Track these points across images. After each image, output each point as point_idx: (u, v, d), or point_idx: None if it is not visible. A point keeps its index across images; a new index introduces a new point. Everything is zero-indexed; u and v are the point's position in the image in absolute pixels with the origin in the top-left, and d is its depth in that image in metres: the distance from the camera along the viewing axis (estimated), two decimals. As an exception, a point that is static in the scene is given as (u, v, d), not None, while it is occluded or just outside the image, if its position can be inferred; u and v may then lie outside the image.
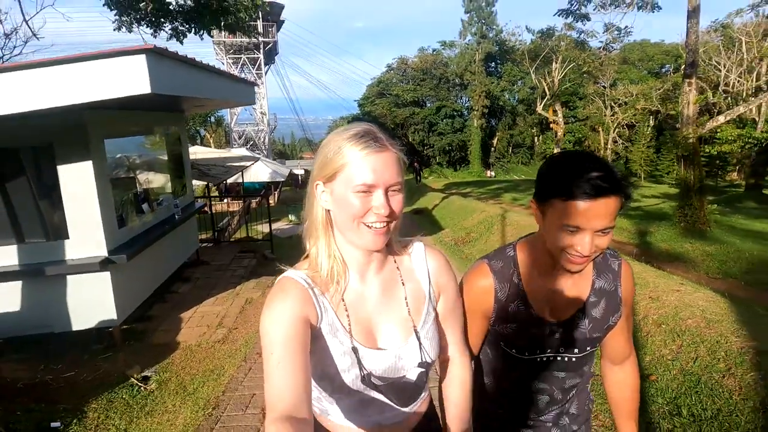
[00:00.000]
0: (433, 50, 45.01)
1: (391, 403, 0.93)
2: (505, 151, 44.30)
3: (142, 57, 2.91)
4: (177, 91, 3.61)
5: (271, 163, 19.55)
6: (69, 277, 3.96)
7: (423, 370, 0.95)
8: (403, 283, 0.97)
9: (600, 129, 35.41)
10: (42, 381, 3.56)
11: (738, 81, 23.27)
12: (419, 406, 1.02)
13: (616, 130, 34.11)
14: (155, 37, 9.78)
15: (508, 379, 1.15)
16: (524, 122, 42.67)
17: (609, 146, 34.56)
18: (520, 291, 1.06)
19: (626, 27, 17.00)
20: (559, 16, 13.44)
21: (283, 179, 20.10)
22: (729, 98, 22.76)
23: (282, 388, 0.73)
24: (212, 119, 35.27)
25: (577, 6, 13.66)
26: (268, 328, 0.81)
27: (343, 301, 0.91)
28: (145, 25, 9.47)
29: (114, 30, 9.60)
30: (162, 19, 9.29)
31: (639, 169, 36.66)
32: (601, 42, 15.58)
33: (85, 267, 3.91)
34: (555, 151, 16.84)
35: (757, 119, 22.34)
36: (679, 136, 10.21)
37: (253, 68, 28.38)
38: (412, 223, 13.23)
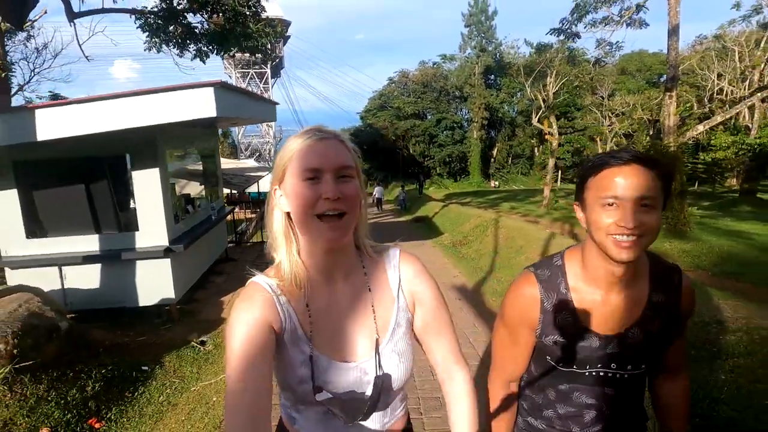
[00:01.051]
0: (434, 63, 46.60)
1: (340, 418, 0.91)
2: (504, 161, 45.44)
3: (211, 89, 3.95)
4: (230, 114, 4.65)
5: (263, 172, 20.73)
6: (138, 262, 4.97)
7: (375, 382, 0.90)
8: (370, 290, 0.94)
9: (598, 139, 36.54)
10: (122, 343, 4.53)
11: (731, 89, 24.42)
12: (393, 424, 0.99)
13: (614, 139, 35.18)
14: (181, 56, 10.93)
15: (554, 394, 1.11)
16: (523, 133, 43.88)
17: (667, 145, 35.54)
18: (568, 301, 1.03)
19: (617, 42, 18.21)
20: (551, 35, 14.55)
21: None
22: (726, 106, 23.83)
23: (240, 391, 0.76)
24: (220, 131, 36.77)
25: (568, 25, 14.78)
26: (231, 331, 0.83)
27: (308, 308, 0.90)
28: (173, 46, 10.59)
29: (144, 50, 10.74)
30: (188, 41, 10.43)
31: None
32: (593, 57, 16.66)
33: (151, 254, 4.91)
34: (550, 162, 17.88)
35: (750, 126, 23.39)
36: (660, 145, 11.23)
37: (260, 82, 29.69)
38: (414, 230, 14.27)
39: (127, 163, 4.84)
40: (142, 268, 4.97)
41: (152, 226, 4.93)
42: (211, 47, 10.40)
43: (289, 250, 0.89)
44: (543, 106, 18.44)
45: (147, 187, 4.86)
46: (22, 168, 4.68)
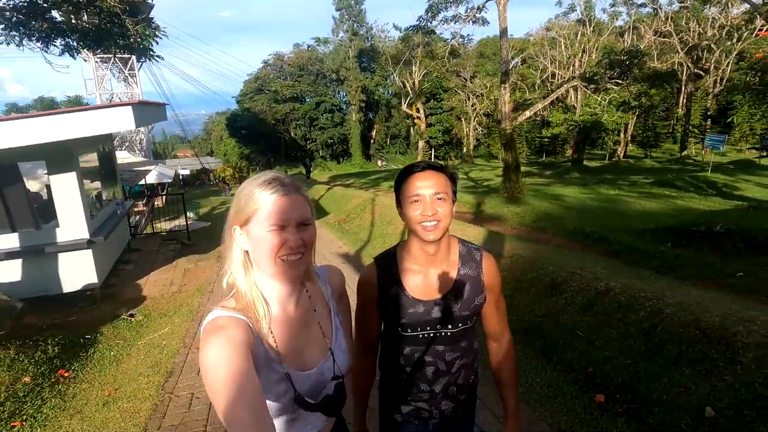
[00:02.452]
0: (308, 46, 47.19)
1: (316, 418, 1.09)
2: (383, 142, 48.34)
3: (130, 108, 4.95)
4: (142, 124, 5.60)
5: (162, 165, 20.31)
6: (61, 254, 5.72)
7: (338, 381, 1.10)
8: (314, 308, 1.12)
9: (463, 118, 40.96)
10: (55, 323, 5.34)
11: (560, 74, 29.64)
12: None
13: (476, 118, 39.76)
14: (46, 52, 10.73)
15: (401, 354, 1.42)
16: (399, 114, 47.02)
17: (471, 133, 40.32)
18: (397, 277, 1.35)
19: (467, 35, 21.12)
20: (411, 31, 16.68)
21: (170, 180, 20.90)
22: (548, 93, 28.90)
23: (244, 406, 0.80)
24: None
25: (424, 23, 17.05)
26: (216, 360, 0.85)
27: (272, 332, 1.01)
28: (36, 41, 10.35)
29: (1, 44, 10.34)
30: (53, 36, 10.30)
31: (498, 152, 43.26)
32: (449, 48, 19.29)
33: (74, 246, 5.71)
34: (420, 143, 20.40)
35: (576, 105, 28.66)
36: (499, 129, 14.06)
37: (125, 68, 27.85)
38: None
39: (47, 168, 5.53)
40: (66, 259, 5.74)
41: (73, 222, 5.71)
42: (81, 44, 10.42)
43: (248, 281, 0.99)
44: (410, 92, 20.77)
45: (65, 189, 5.61)
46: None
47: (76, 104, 35.72)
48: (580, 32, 28.09)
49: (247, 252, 0.99)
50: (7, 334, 4.23)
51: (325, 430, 1.14)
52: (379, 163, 44.57)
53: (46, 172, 5.84)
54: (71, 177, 5.61)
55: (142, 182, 14.62)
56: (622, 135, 31.56)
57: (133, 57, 23.94)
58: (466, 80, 41.03)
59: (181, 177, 29.64)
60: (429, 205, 1.22)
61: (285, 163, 44.97)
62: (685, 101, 30.35)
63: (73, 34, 10.31)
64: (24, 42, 10.29)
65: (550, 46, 30.25)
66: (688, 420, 2.43)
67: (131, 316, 5.64)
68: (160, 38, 9.98)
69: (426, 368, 1.40)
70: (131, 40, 9.66)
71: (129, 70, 28.03)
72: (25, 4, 9.47)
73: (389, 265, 1.38)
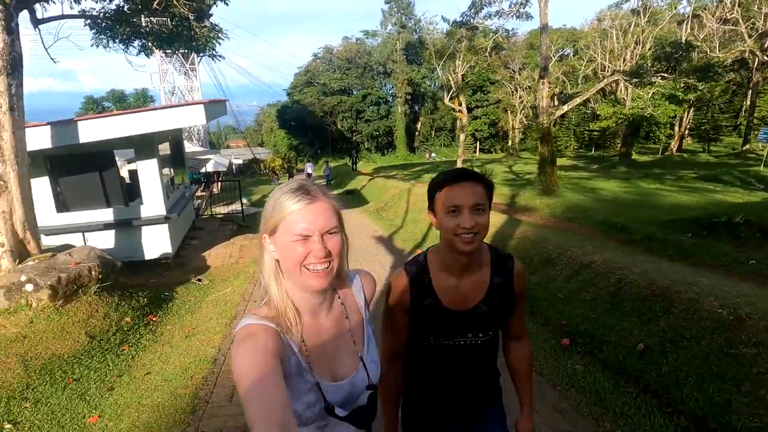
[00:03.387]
0: (357, 39, 48.31)
1: (345, 427, 1.06)
2: (428, 134, 48.81)
3: (202, 106, 6.05)
4: (211, 119, 6.73)
5: (218, 155, 22.11)
6: (144, 227, 6.99)
7: (371, 392, 1.09)
8: (347, 317, 1.12)
9: (509, 111, 40.75)
10: (140, 283, 6.59)
11: (609, 66, 28.96)
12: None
13: (523, 112, 39.47)
14: (126, 52, 12.31)
15: (428, 361, 1.46)
16: (444, 107, 47.24)
17: (517, 126, 40.07)
18: (430, 287, 1.36)
19: (513, 29, 21.31)
20: (455, 27, 17.25)
21: (224, 168, 22.64)
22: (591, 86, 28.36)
23: (268, 410, 0.80)
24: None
25: (467, 18, 17.56)
26: (246, 363, 0.87)
27: (303, 341, 1.02)
28: (119, 43, 11.91)
29: (91, 46, 11.98)
30: (133, 38, 11.81)
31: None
32: (492, 43, 19.68)
33: (154, 221, 6.95)
34: (461, 136, 20.95)
35: (625, 98, 28.05)
36: (537, 123, 14.45)
37: (186, 62, 30.08)
38: (346, 201, 16.69)
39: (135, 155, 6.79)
40: (147, 231, 7.00)
41: (153, 200, 6.95)
42: (156, 44, 11.88)
43: (280, 290, 1.01)
44: (453, 86, 21.33)
45: (148, 172, 6.85)
46: (51, 160, 6.49)
47: (143, 97, 38.76)
48: (633, 23, 27.36)
49: (277, 260, 1.01)
50: (111, 285, 5.44)
51: None
52: (427, 155, 45.11)
53: (126, 159, 7.11)
54: (153, 163, 6.85)
55: (203, 170, 16.21)
56: (676, 129, 30.49)
57: (194, 53, 25.87)
58: (514, 72, 40.70)
59: (234, 166, 31.65)
60: (468, 218, 1.23)
61: (332, 154, 46.51)
62: (750, 93, 28.90)
63: (149, 37, 11.78)
64: (109, 44, 11.90)
65: (601, 38, 29.62)
66: (626, 354, 3.16)
67: (199, 280, 6.83)
68: (222, 40, 11.21)
69: (452, 374, 1.45)
70: (198, 42, 10.95)
71: (190, 65, 30.25)
72: (113, 11, 10.99)
73: (421, 274, 1.39)
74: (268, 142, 55.02)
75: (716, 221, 8.00)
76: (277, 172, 34.23)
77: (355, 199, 17.27)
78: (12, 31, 5.08)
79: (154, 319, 5.36)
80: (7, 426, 3.35)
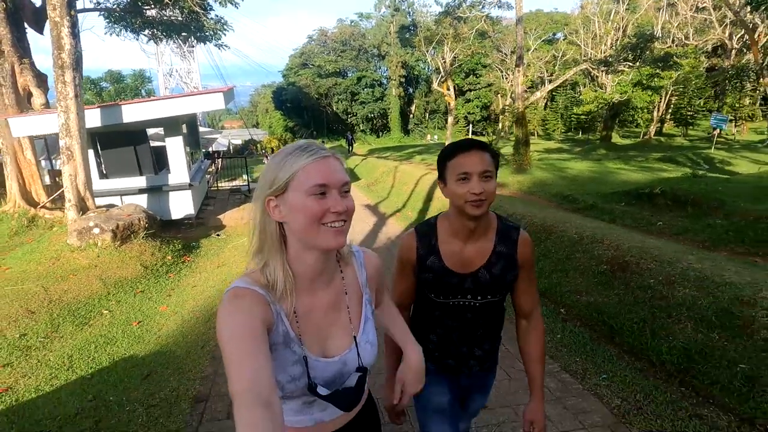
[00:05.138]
0: (351, 21, 49.19)
1: (334, 411, 1.04)
2: (422, 117, 50.07)
3: (221, 94, 7.60)
4: (226, 104, 8.27)
5: (221, 135, 23.57)
6: (171, 192, 8.59)
7: (361, 374, 1.06)
8: (345, 292, 1.07)
9: (500, 95, 42.07)
10: (171, 235, 8.21)
11: (591, 52, 30.36)
12: (363, 401, 1.16)
13: (512, 95, 40.73)
14: (136, 40, 13.70)
15: (431, 316, 1.55)
16: (437, 90, 48.47)
17: (511, 108, 41.43)
18: (436, 249, 1.44)
19: (497, 16, 22.69)
20: (441, 16, 18.63)
21: (224, 148, 24.10)
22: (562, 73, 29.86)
23: (251, 376, 0.77)
24: (144, 93, 37.68)
25: (452, 9, 18.94)
26: (227, 324, 0.85)
27: (295, 312, 0.98)
28: (130, 32, 13.29)
29: (105, 34, 13.36)
30: (144, 28, 13.19)
31: (535, 129, 44.23)
32: (478, 30, 21.07)
33: (180, 187, 8.55)
34: (449, 119, 22.44)
35: (606, 84, 29.50)
36: (512, 108, 16.01)
37: (185, 45, 31.13)
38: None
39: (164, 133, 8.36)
40: (174, 196, 8.61)
41: (179, 170, 8.54)
42: (165, 34, 13.28)
43: (281, 257, 0.95)
44: (442, 71, 22.75)
45: (175, 147, 8.43)
46: (97, 136, 8.06)
47: (140, 77, 39.88)
48: (614, 10, 28.69)
49: (280, 225, 0.95)
50: (153, 234, 7.07)
51: (349, 415, 1.11)
52: (428, 137, 46.38)
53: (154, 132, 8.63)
54: (179, 139, 8.41)
55: (210, 149, 17.70)
56: (655, 113, 32.06)
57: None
58: (506, 55, 41.86)
59: (232, 146, 33.08)
60: (477, 184, 1.29)
61: (327, 136, 47.79)
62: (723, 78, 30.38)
63: (159, 27, 13.16)
64: (121, 33, 13.29)
65: (585, 24, 30.96)
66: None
67: (218, 235, 8.47)
68: (227, 31, 12.64)
69: (453, 332, 1.53)
70: (205, 33, 12.39)
71: (188, 47, 31.41)
72: (127, 3, 12.36)
73: (429, 235, 1.47)
74: (264, 123, 56.08)
75: (642, 192, 9.71)
76: (273, 152, 35.66)
77: (348, 176, 18.92)
78: (76, 35, 6.60)
79: (188, 259, 7.00)
80: (105, 312, 5.01)
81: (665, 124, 36.21)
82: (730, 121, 29.32)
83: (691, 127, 34.86)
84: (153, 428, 2.72)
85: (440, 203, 8.90)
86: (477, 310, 1.48)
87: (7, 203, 8.61)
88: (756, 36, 13.38)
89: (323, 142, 32.34)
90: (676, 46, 25.89)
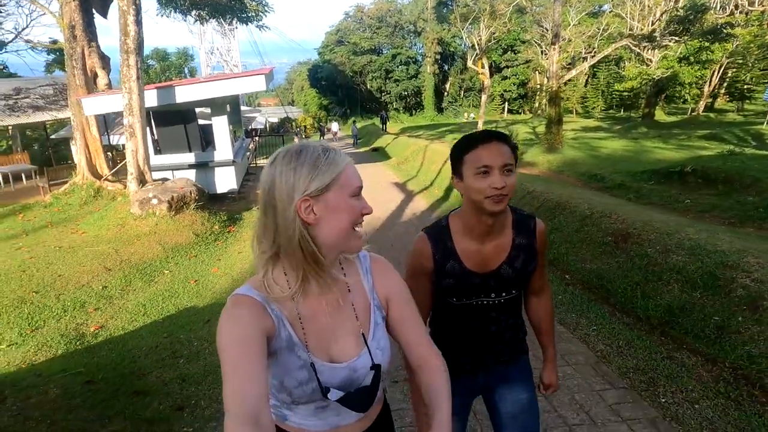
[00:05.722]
0: (388, -3, 48.83)
1: (351, 412, 1.02)
2: (457, 95, 49.57)
3: (263, 76, 8.22)
4: (268, 86, 8.90)
5: (260, 114, 24.49)
6: (216, 168, 9.37)
7: (375, 372, 1.02)
8: (349, 290, 1.04)
9: (538, 72, 41.15)
10: (216, 208, 9.01)
11: (638, 25, 29.25)
12: (376, 407, 1.14)
13: (549, 73, 39.73)
14: (184, 21, 14.52)
15: (452, 320, 1.48)
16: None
17: (546, 87, 40.52)
18: (453, 251, 1.36)
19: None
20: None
21: (261, 126, 25.02)
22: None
23: (241, 392, 0.79)
24: (186, 71, 39.24)
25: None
26: (224, 335, 0.86)
27: (300, 316, 0.97)
28: (179, 13, 14.06)
29: (156, 15, 14.19)
30: (191, 8, 13.94)
31: (574, 106, 43.17)
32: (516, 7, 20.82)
33: (224, 163, 9.32)
34: (483, 97, 22.43)
35: (651, 59, 28.49)
36: (546, 87, 15.97)
37: (225, 22, 32.07)
38: (372, 157, 18.84)
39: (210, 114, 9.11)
40: (219, 171, 9.39)
41: (223, 147, 9.30)
42: (211, 15, 14.01)
43: (300, 263, 0.92)
44: (477, 49, 22.67)
45: (220, 126, 9.17)
46: (153, 114, 8.87)
47: (184, 55, 41.38)
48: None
49: (307, 225, 0.90)
50: (202, 205, 7.86)
51: (366, 420, 1.10)
52: (466, 115, 45.99)
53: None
54: (224, 119, 9.14)
55: (249, 127, 18.60)
56: (706, 88, 30.73)
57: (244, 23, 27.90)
58: (546, 30, 40.70)
59: (268, 124, 34.08)
60: (499, 178, 1.22)
61: (360, 114, 48.19)
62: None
63: (206, 8, 13.89)
64: (171, 14, 14.10)
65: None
66: (578, 267, 5.21)
67: (258, 208, 9.23)
68: (268, 13, 13.24)
69: (476, 331, 1.47)
70: (249, 14, 13.04)
71: (229, 25, 32.33)
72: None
73: (443, 237, 1.39)
74: (299, 101, 56.95)
75: (672, 171, 9.79)
76: (308, 130, 36.48)
77: (379, 154, 19.38)
78: (139, 23, 7.33)
79: (232, 229, 7.77)
80: (166, 272, 5.82)
81: (718, 99, 34.62)
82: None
83: (747, 101, 33.21)
84: (216, 356, 3.42)
85: (468, 180, 9.31)
86: (501, 307, 1.44)
87: (77, 175, 9.63)
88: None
89: (354, 122, 32.97)
90: (740, 13, 24.56)
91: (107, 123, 13.12)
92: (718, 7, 19.34)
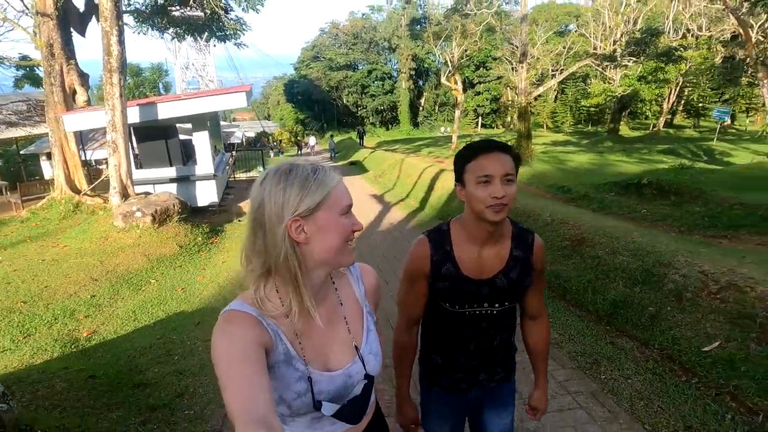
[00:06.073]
0: (363, 14, 49.88)
1: (344, 424, 1.05)
2: (432, 109, 50.70)
3: (244, 93, 8.57)
4: (248, 103, 9.25)
5: (239, 129, 24.65)
6: (197, 182, 9.62)
7: (367, 381, 1.06)
8: (341, 304, 1.08)
9: (509, 87, 42.56)
10: (198, 220, 9.24)
11: (601, 45, 30.78)
12: (370, 412, 1.16)
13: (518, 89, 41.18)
14: (161, 38, 14.75)
15: (445, 328, 1.48)
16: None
17: (516, 102, 41.95)
18: (451, 255, 1.39)
19: (508, 10, 23.38)
20: (449, 12, 19.39)
21: (238, 141, 25.17)
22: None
23: (248, 399, 0.78)
24: (161, 86, 39.07)
25: (460, 6, 19.67)
26: (221, 349, 0.85)
27: (296, 331, 0.99)
28: (156, 30, 14.30)
29: (133, 33, 14.40)
30: (168, 27, 14.19)
31: (544, 121, 44.73)
32: (486, 26, 21.75)
33: (205, 177, 9.58)
34: (456, 113, 23.21)
35: (614, 77, 29.99)
36: (516, 102, 16.79)
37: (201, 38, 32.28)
38: (350, 170, 19.27)
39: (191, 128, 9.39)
40: (200, 185, 9.64)
41: (204, 162, 9.57)
42: (188, 33, 14.30)
43: (291, 278, 0.94)
44: (450, 66, 23.51)
45: (201, 141, 9.45)
46: (134, 130, 9.09)
47: (158, 71, 41.21)
48: (624, 2, 29.06)
49: (295, 245, 0.93)
50: (185, 218, 8.10)
51: (358, 429, 1.12)
52: (442, 129, 46.95)
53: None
54: (205, 134, 9.43)
55: (228, 142, 18.85)
56: (665, 105, 32.45)
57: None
58: (516, 47, 42.19)
59: (245, 138, 34.23)
60: (500, 187, 1.25)
61: (337, 128, 48.70)
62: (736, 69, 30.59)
63: (183, 26, 14.16)
64: (148, 32, 14.32)
65: (595, 17, 31.37)
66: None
67: (239, 220, 9.48)
68: (246, 32, 13.63)
69: (469, 343, 1.48)
70: (226, 32, 13.39)
71: (201, 40, 32.61)
72: (153, 5, 13.36)
73: (442, 241, 1.42)
74: (275, 116, 57.13)
75: (630, 183, 10.52)
76: (284, 144, 36.71)
77: (357, 168, 19.86)
78: (122, 43, 7.61)
79: (215, 240, 8.03)
80: (152, 281, 6.05)
81: (676, 116, 36.53)
82: (743, 111, 29.68)
83: (703, 118, 35.17)
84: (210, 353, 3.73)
85: (441, 193, 9.81)
86: (494, 318, 1.46)
87: (55, 190, 9.72)
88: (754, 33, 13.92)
89: (332, 136, 33.42)
90: (691, 37, 26.17)
91: (82, 139, 13.20)
92: (672, 31, 20.76)
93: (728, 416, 2.48)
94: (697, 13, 28.03)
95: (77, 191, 9.76)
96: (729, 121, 31.11)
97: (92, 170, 13.79)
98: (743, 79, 29.48)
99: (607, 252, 4.47)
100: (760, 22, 13.80)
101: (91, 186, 10.02)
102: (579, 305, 4.15)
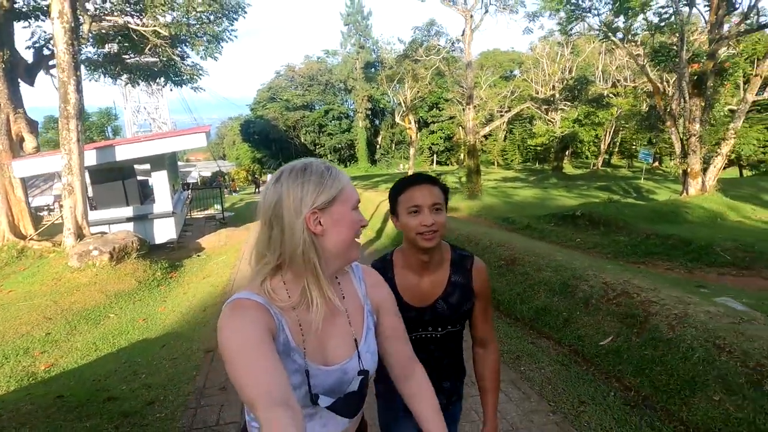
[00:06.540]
0: (318, 58, 51.60)
1: (338, 418, 1.04)
2: (389, 147, 52.31)
3: (204, 134, 9.00)
4: (207, 143, 9.66)
5: (195, 168, 24.66)
6: (155, 220, 9.80)
7: (362, 377, 1.06)
8: (344, 297, 1.10)
9: (461, 127, 44.82)
10: (157, 257, 9.36)
11: (541, 90, 33.44)
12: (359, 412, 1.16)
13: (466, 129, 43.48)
14: (114, 84, 15.00)
15: None
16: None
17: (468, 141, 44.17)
18: (392, 283, 1.44)
19: (456, 56, 25.11)
20: (400, 58, 20.72)
21: (194, 180, 25.18)
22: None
23: (265, 383, 0.78)
24: (110, 130, 38.48)
25: (410, 52, 21.09)
26: (230, 336, 0.86)
27: (300, 323, 1.00)
28: (109, 77, 14.56)
29: (86, 80, 14.57)
30: (122, 73, 14.49)
31: (495, 159, 47.11)
32: (434, 71, 23.26)
33: (164, 215, 9.79)
34: (411, 150, 24.37)
35: (554, 119, 32.42)
36: (465, 141, 17.96)
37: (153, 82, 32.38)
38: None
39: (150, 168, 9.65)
40: (158, 223, 9.83)
41: (163, 200, 9.80)
42: (142, 78, 14.64)
43: (307, 273, 0.97)
44: (403, 107, 24.79)
45: (159, 180, 9.71)
46: (91, 172, 9.27)
47: (107, 115, 40.65)
48: (559, 53, 31.91)
49: (313, 236, 0.96)
50: (144, 254, 8.27)
51: (351, 429, 1.13)
52: (401, 166, 48.25)
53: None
54: (163, 173, 9.72)
55: (186, 181, 18.90)
56: (602, 146, 35.16)
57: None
58: (465, 90, 44.77)
59: (200, 178, 34.14)
60: (428, 216, 1.33)
61: (295, 167, 49.05)
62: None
63: (137, 72, 14.50)
64: (100, 79, 14.55)
65: (535, 65, 34.14)
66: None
67: (198, 255, 9.69)
68: (203, 76, 14.13)
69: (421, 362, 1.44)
70: (183, 77, 13.84)
71: (156, 85, 32.81)
72: (107, 54, 13.67)
73: (385, 270, 1.47)
74: (231, 155, 57.13)
75: (566, 215, 11.55)
76: (239, 184, 36.79)
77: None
78: (79, 91, 7.93)
79: (174, 275, 8.21)
80: (112, 315, 6.20)
81: (613, 156, 39.54)
82: (667, 155, 32.59)
83: (635, 159, 38.25)
84: (178, 368, 4.02)
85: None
86: (439, 342, 1.51)
87: (-5, 237, 9.61)
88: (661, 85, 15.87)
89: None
90: (620, 86, 28.97)
91: (26, 184, 13.08)
92: (601, 81, 23.04)
93: (611, 393, 3.09)
94: (622, 65, 31.21)
95: (23, 237, 9.68)
96: (656, 163, 34.08)
97: (33, 216, 13.54)
98: (661, 125, 32.71)
99: (534, 269, 5.14)
100: (674, 79, 15.61)
101: (38, 231, 9.95)
102: (509, 314, 4.75)
